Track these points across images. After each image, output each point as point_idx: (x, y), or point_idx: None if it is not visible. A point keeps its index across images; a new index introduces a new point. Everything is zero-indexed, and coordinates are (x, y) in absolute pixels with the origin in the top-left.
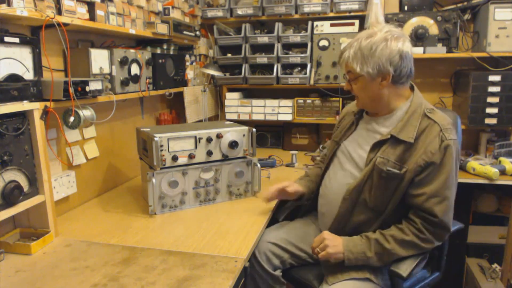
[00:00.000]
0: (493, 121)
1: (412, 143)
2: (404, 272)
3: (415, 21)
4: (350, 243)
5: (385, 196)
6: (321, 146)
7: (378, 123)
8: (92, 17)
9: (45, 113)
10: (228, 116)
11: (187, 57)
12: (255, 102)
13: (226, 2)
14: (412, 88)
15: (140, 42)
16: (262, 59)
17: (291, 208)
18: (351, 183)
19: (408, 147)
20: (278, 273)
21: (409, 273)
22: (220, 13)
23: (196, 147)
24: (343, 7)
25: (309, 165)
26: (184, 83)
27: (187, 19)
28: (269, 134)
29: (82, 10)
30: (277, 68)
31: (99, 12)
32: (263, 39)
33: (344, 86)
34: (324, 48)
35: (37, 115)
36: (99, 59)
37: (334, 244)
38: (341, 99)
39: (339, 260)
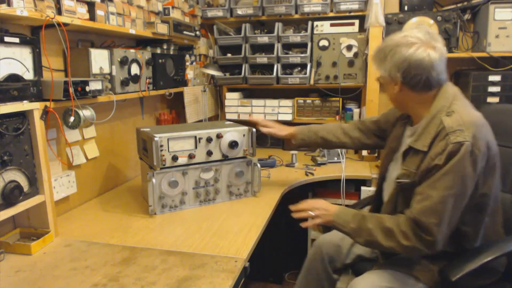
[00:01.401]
0: None
1: (425, 151)
2: (453, 276)
3: (415, 21)
4: (342, 210)
5: (407, 206)
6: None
7: (409, 132)
8: (92, 17)
9: (45, 113)
10: (228, 116)
11: (187, 57)
12: (255, 102)
13: (226, 2)
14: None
15: (140, 42)
16: (262, 59)
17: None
18: (386, 198)
19: (424, 155)
20: (336, 276)
21: (458, 277)
22: (220, 13)
23: (196, 147)
24: (343, 7)
25: (309, 165)
26: (184, 83)
27: (187, 19)
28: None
29: (82, 10)
30: (277, 68)
31: (99, 12)
32: (263, 39)
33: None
34: (324, 48)
35: (37, 115)
36: (99, 59)
37: (325, 214)
38: (341, 99)
39: (330, 224)
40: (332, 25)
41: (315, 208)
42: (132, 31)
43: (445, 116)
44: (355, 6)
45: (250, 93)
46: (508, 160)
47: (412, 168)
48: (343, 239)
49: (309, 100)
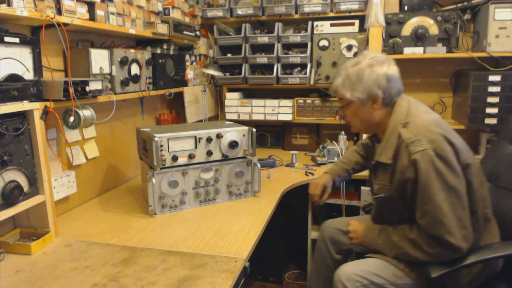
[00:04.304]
0: (493, 121)
1: (391, 164)
2: (434, 273)
3: (415, 21)
4: (369, 229)
5: (395, 219)
6: (321, 146)
7: (378, 147)
8: (92, 17)
9: (45, 113)
10: (228, 116)
11: (187, 57)
12: (255, 102)
13: (226, 2)
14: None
15: (140, 42)
16: (262, 59)
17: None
18: (371, 213)
19: (392, 167)
20: (338, 256)
21: (438, 275)
22: (220, 13)
23: (196, 147)
24: (343, 7)
25: (309, 165)
26: (184, 83)
27: (187, 19)
28: (269, 134)
29: (82, 10)
30: (277, 68)
31: (99, 12)
32: (263, 39)
33: (339, 112)
34: (324, 48)
35: (37, 115)
36: (99, 59)
37: (356, 236)
38: None
39: (362, 245)
40: (332, 25)
41: (350, 231)
42: (132, 31)
43: (402, 128)
44: (355, 6)
45: (250, 93)
46: None
47: (386, 181)
48: (345, 225)
49: (309, 100)
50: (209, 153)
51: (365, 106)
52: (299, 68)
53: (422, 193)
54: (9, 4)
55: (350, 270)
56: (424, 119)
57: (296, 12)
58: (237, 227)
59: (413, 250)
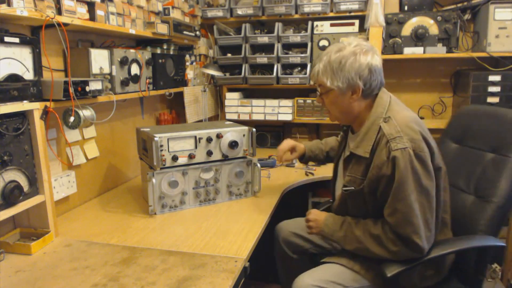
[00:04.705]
0: None
1: (367, 157)
2: (389, 271)
3: (415, 21)
4: (330, 219)
5: (361, 213)
6: None
7: (352, 140)
8: (92, 17)
9: (45, 113)
10: (228, 116)
11: (187, 57)
12: (255, 102)
13: (226, 2)
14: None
15: (140, 42)
16: (262, 59)
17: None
18: (334, 203)
19: (368, 161)
20: (295, 256)
21: (394, 274)
22: (220, 13)
23: (196, 147)
24: (343, 7)
25: (309, 165)
26: (184, 83)
27: (187, 19)
28: (269, 134)
29: (82, 10)
30: (277, 68)
31: (99, 12)
32: (263, 39)
33: (316, 100)
34: (324, 48)
35: (37, 115)
36: (99, 59)
37: (316, 225)
38: None
39: (321, 234)
40: (332, 25)
41: (309, 220)
42: (132, 31)
43: (383, 123)
44: (355, 6)
45: (250, 93)
46: (473, 162)
47: (357, 174)
48: (299, 228)
49: (309, 100)
50: (209, 153)
51: (344, 96)
52: (299, 68)
53: (396, 191)
54: (9, 4)
55: (306, 282)
56: (405, 116)
57: (296, 12)
58: (237, 227)
59: (374, 246)
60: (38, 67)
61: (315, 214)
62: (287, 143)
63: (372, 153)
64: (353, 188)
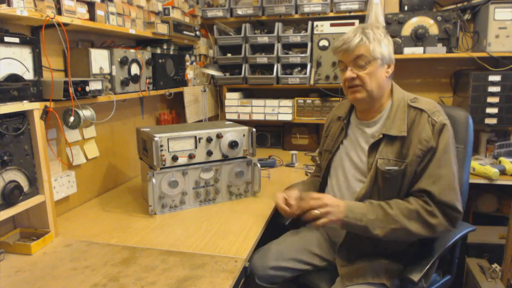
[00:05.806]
0: (493, 121)
1: (405, 136)
2: (416, 277)
3: (415, 21)
4: (352, 204)
5: (393, 195)
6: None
7: (369, 126)
8: (92, 17)
9: (45, 113)
10: (228, 116)
11: (187, 57)
12: (255, 102)
13: (226, 2)
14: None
15: (140, 42)
16: (262, 59)
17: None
18: (359, 190)
19: (403, 141)
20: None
21: (420, 277)
22: (220, 13)
23: (196, 147)
24: (343, 7)
25: (309, 165)
26: (184, 83)
27: (187, 19)
28: (269, 134)
29: (82, 10)
30: (277, 68)
31: (99, 12)
32: (263, 39)
33: (347, 74)
34: (324, 48)
35: (37, 115)
36: (99, 59)
37: (338, 211)
38: (341, 99)
39: (337, 224)
40: (332, 25)
41: (324, 205)
42: (132, 31)
43: (412, 103)
44: (355, 6)
45: (250, 93)
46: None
47: (391, 156)
48: (272, 259)
49: (309, 100)
50: (209, 153)
51: (382, 68)
52: (299, 68)
53: (441, 158)
54: (9, 4)
55: None
56: (431, 100)
57: (296, 12)
58: (237, 227)
59: (412, 223)
60: (38, 67)
61: (331, 199)
62: (281, 197)
63: (409, 131)
64: (396, 168)
